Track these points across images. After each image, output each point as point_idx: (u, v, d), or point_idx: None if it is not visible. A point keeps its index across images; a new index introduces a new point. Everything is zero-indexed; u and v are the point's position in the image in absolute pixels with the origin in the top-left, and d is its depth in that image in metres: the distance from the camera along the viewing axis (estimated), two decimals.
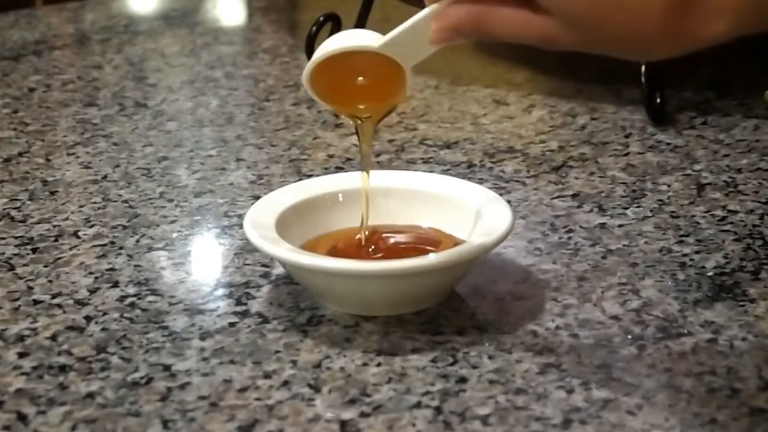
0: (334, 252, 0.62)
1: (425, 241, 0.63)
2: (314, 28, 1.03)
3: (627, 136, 0.87)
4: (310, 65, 0.57)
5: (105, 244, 0.69)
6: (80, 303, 0.61)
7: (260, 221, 0.61)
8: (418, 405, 0.51)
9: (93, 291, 0.63)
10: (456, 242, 0.62)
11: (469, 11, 0.46)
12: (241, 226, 0.65)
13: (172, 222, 0.72)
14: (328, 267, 0.57)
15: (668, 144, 0.85)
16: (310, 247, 0.62)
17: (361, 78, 0.58)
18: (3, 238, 0.70)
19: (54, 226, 0.71)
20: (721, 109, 0.92)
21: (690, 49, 0.44)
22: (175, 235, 0.70)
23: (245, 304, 0.61)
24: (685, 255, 0.66)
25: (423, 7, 0.52)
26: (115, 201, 0.75)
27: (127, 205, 0.75)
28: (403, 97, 0.59)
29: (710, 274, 0.64)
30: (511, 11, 0.44)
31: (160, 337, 0.57)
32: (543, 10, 0.44)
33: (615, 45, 0.45)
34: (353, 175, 0.68)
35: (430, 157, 0.83)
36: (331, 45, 0.56)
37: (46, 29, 1.25)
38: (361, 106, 0.60)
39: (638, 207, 0.73)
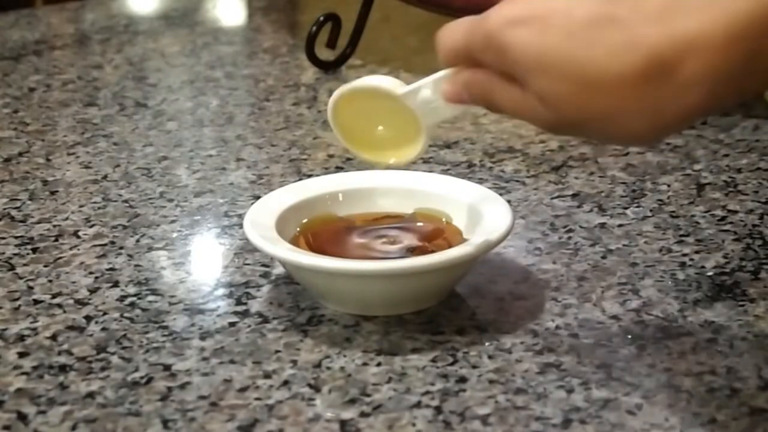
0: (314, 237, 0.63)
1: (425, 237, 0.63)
2: (314, 28, 1.03)
3: None
4: (336, 96, 0.57)
5: (105, 244, 0.69)
6: (80, 303, 0.61)
7: (260, 221, 0.61)
8: (418, 405, 0.51)
9: (93, 291, 0.63)
10: (453, 230, 0.62)
11: (482, 77, 0.50)
12: (241, 226, 0.65)
13: (172, 222, 0.72)
14: (328, 267, 0.57)
15: (668, 144, 0.85)
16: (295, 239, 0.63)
17: (380, 127, 0.58)
18: (3, 238, 0.70)
19: (54, 226, 0.71)
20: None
21: (665, 127, 0.46)
22: (175, 235, 0.70)
23: (245, 304, 0.61)
24: (685, 255, 0.66)
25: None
26: (115, 201, 0.75)
27: (127, 205, 0.75)
28: (413, 157, 0.58)
29: (710, 274, 0.64)
30: (512, 88, 0.49)
31: (160, 337, 0.57)
32: (533, 92, 0.48)
33: (595, 124, 0.47)
34: (353, 175, 0.68)
35: (430, 157, 0.83)
36: (360, 81, 0.57)
37: (46, 29, 1.25)
38: (371, 157, 0.60)
39: (638, 207, 0.73)
